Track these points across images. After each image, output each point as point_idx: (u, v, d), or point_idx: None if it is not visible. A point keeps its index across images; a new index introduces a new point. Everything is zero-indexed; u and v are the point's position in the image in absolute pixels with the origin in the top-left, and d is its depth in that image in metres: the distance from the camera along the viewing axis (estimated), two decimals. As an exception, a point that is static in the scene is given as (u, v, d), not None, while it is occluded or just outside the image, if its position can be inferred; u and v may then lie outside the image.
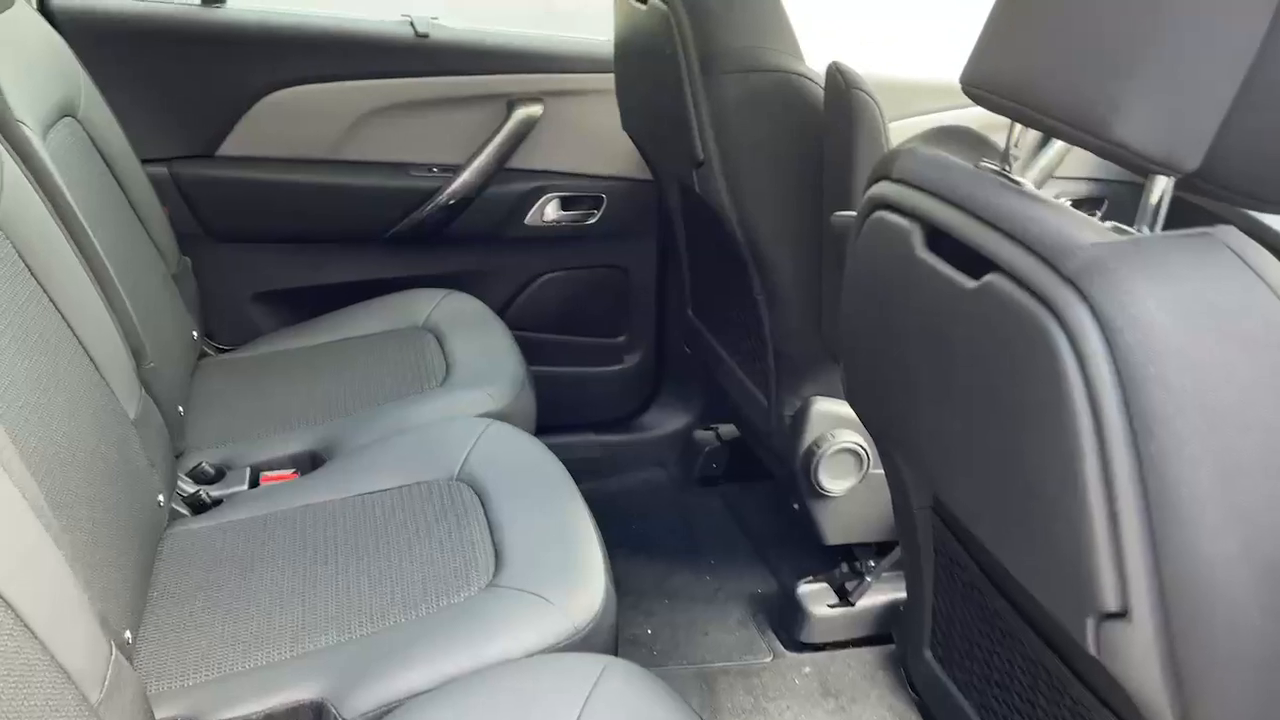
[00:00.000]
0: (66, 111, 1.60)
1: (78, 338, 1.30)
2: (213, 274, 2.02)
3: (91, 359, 1.32)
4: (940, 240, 0.92)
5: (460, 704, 1.10)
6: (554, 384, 2.23)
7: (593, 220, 2.21)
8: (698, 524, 2.20)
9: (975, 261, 0.85)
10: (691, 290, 2.06)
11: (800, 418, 1.68)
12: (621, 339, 2.33)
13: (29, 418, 1.08)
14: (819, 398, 1.67)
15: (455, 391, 1.72)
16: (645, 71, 1.73)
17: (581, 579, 1.26)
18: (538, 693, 1.10)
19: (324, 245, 2.12)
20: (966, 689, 1.20)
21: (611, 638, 1.25)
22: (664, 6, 1.56)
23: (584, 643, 1.20)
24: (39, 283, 1.25)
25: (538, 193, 2.17)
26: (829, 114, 1.44)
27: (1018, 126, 0.90)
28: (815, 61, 1.55)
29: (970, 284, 0.85)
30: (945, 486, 1.01)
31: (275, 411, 1.73)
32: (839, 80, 1.40)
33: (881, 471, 1.69)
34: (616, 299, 2.30)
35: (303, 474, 1.61)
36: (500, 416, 1.66)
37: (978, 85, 0.88)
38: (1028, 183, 0.88)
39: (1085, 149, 0.80)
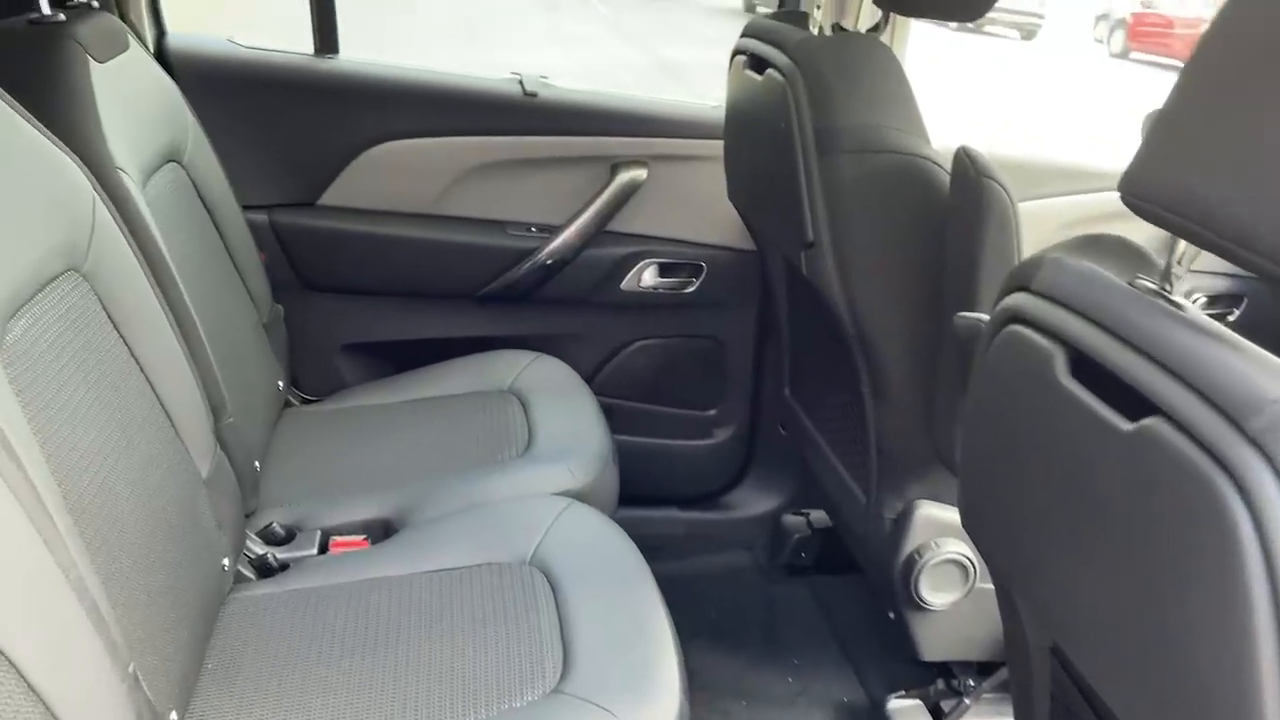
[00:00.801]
0: (172, 156, 1.60)
1: (156, 393, 1.26)
2: (303, 323, 2.00)
3: (168, 415, 1.28)
4: (1086, 367, 0.80)
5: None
6: (639, 455, 2.15)
7: (691, 288, 2.13)
8: (782, 616, 2.07)
9: (1130, 399, 0.74)
10: (791, 369, 1.95)
11: (902, 522, 1.55)
12: (713, 413, 2.24)
13: (93, 478, 1.04)
14: (924, 501, 1.55)
15: (535, 464, 1.65)
16: (756, 143, 1.65)
17: (653, 693, 1.16)
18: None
19: (415, 300, 2.08)
20: None
21: None
22: (781, 79, 1.48)
23: (653, 767, 1.10)
24: (120, 335, 1.22)
25: (636, 257, 2.10)
26: (954, 202, 1.33)
27: (1181, 243, 0.78)
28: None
29: (1124, 425, 0.73)
30: (1069, 638, 0.89)
31: (351, 471, 1.68)
32: (968, 166, 1.29)
33: (989, 586, 1.55)
34: (710, 371, 2.21)
35: (374, 541, 1.55)
36: (580, 495, 1.58)
37: (1139, 195, 0.77)
38: (1192, 307, 0.77)
39: (1265, 275, 0.68)
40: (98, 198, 1.23)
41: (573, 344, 2.12)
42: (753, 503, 2.28)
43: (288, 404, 1.92)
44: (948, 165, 1.38)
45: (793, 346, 1.93)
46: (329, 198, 1.99)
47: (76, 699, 0.82)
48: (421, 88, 2.00)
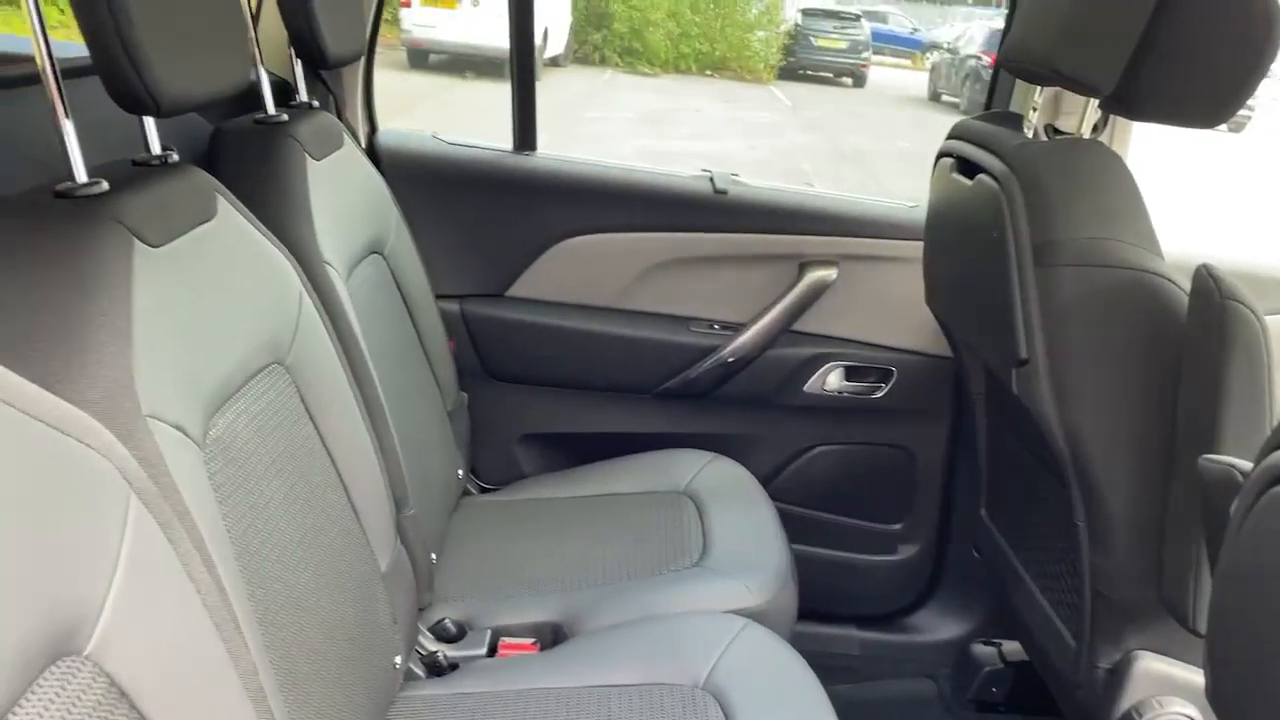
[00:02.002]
0: (375, 248, 1.64)
1: (344, 485, 1.27)
2: (485, 411, 2.01)
3: (354, 508, 1.28)
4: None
5: None
6: (816, 567, 2.04)
7: (879, 394, 2.03)
8: (969, 759, 1.90)
9: None
10: (989, 489, 1.81)
11: (1119, 674, 1.39)
12: (898, 527, 2.11)
13: (280, 576, 1.04)
14: (1144, 653, 1.38)
15: (711, 578, 1.57)
16: (963, 251, 1.56)
17: None
18: None
19: (594, 393, 2.07)
20: None
21: None
22: (995, 185, 1.39)
23: None
24: (315, 426, 1.23)
25: (821, 359, 2.02)
26: (1193, 326, 1.20)
27: None
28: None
29: None
30: None
31: (524, 569, 1.65)
32: (1210, 286, 1.16)
33: (1221, 759, 1.36)
34: (897, 482, 2.08)
35: (543, 646, 1.51)
36: (757, 614, 1.49)
37: None
38: None
39: None
40: (304, 292, 1.26)
41: (751, 445, 2.05)
42: (938, 627, 2.12)
43: (466, 492, 1.92)
44: (1182, 281, 1.25)
45: (991, 464, 1.79)
46: (518, 289, 2.02)
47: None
48: (613, 184, 2.01)
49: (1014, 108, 1.86)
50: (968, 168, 1.52)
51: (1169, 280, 1.26)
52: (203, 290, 1.03)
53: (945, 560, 2.11)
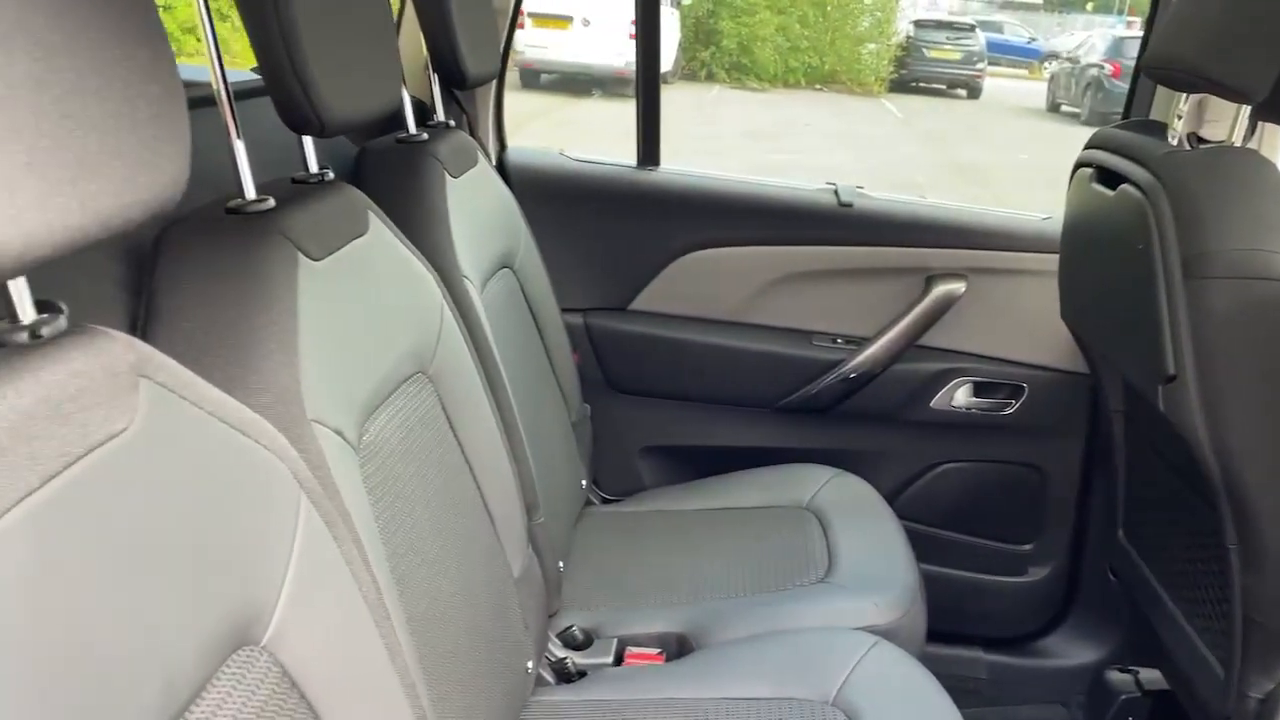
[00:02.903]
0: (506, 263, 1.69)
1: (481, 492, 1.31)
2: (607, 424, 2.04)
3: (490, 514, 1.32)
4: None
5: None
6: (942, 587, 1.99)
7: (1009, 410, 1.98)
8: (1104, 789, 1.83)
9: None
10: (1126, 510, 1.75)
11: (1272, 705, 1.32)
12: (1028, 548, 2.05)
13: (424, 579, 1.08)
14: (1304, 686, 1.31)
15: (838, 594, 1.56)
16: (1104, 262, 1.51)
17: None
18: None
19: (715, 406, 2.07)
20: None
21: None
22: (1139, 195, 1.35)
23: None
24: (455, 434, 1.27)
25: (949, 375, 1.98)
26: (1361, 339, 1.14)
27: None
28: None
29: None
30: None
31: (648, 580, 1.66)
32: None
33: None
34: (1027, 502, 2.03)
35: (668, 657, 1.52)
36: (886, 633, 1.47)
37: None
38: None
39: None
40: (445, 303, 1.30)
41: (875, 462, 2.02)
42: (1070, 652, 2.04)
43: (588, 502, 1.95)
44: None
45: (1130, 484, 1.73)
46: (641, 302, 2.04)
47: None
48: (737, 197, 2.02)
49: (1155, 115, 1.79)
50: (1109, 178, 1.48)
51: None
52: (357, 301, 1.08)
53: (1079, 583, 2.04)
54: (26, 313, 0.61)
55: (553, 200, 2.00)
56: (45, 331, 0.61)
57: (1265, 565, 1.29)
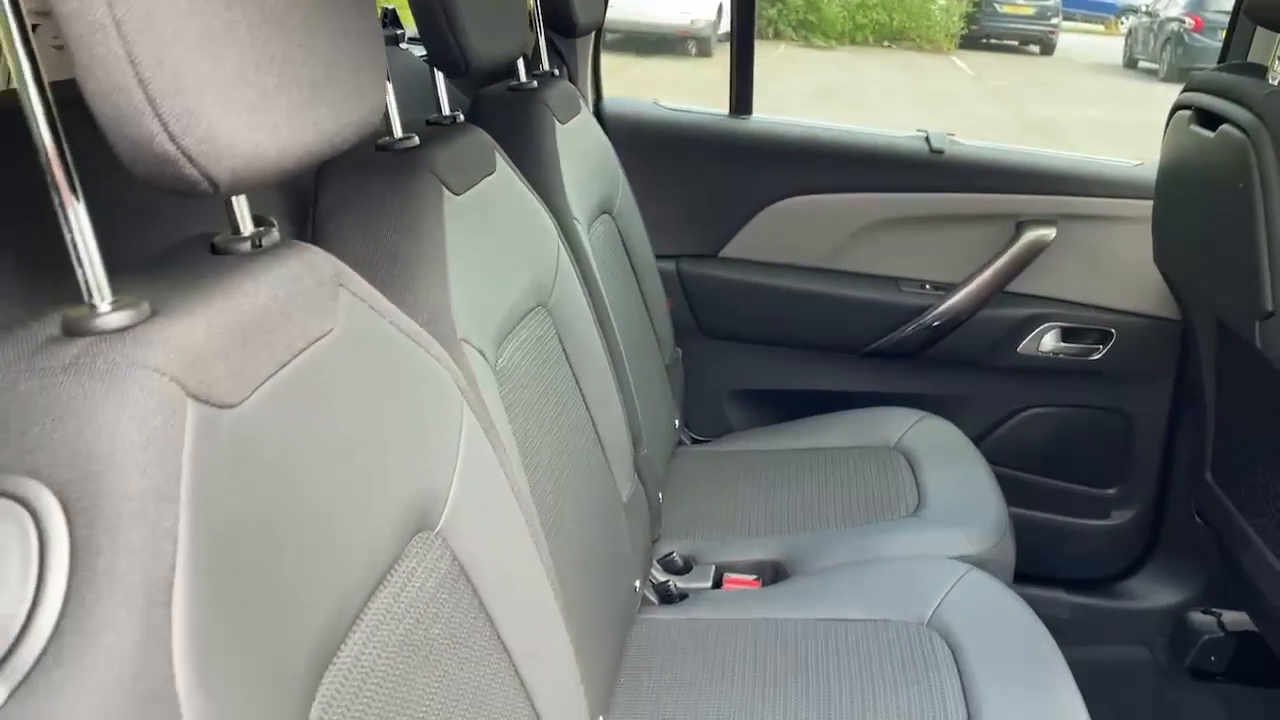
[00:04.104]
0: (606, 208, 1.75)
1: (593, 421, 1.38)
2: (698, 367, 2.10)
3: (600, 441, 1.39)
4: None
5: None
6: (1027, 529, 2.03)
7: (1097, 356, 2.00)
8: (1186, 724, 1.87)
9: None
10: (1215, 452, 1.77)
11: (1364, 636, 1.35)
12: (1113, 491, 2.08)
13: (546, 492, 1.16)
14: (1394, 615, 1.34)
15: (929, 526, 1.61)
16: (1202, 204, 1.53)
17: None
18: None
19: (803, 351, 2.12)
20: None
21: None
22: (1241, 135, 1.36)
23: None
24: (570, 365, 1.35)
25: (1037, 320, 2.01)
26: None
27: None
28: None
29: None
30: None
31: (742, 513, 1.73)
32: None
33: None
34: (1113, 446, 2.05)
35: (765, 583, 1.59)
36: (977, 562, 1.52)
37: None
38: None
39: None
40: (560, 242, 1.38)
41: (961, 406, 2.06)
42: (1153, 594, 2.08)
43: (679, 443, 2.02)
44: None
45: (1221, 428, 1.75)
46: (732, 249, 2.09)
47: (547, 690, 0.90)
48: (829, 145, 2.05)
49: (1253, 58, 1.79)
50: (1208, 119, 1.49)
51: None
52: (490, 235, 1.15)
53: (1163, 526, 2.07)
54: (246, 226, 0.69)
55: (647, 149, 2.06)
56: (265, 242, 0.69)
57: (1360, 498, 1.31)
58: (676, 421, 1.96)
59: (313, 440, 0.65)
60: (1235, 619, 1.95)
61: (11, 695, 0.44)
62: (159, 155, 0.51)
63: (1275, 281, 1.31)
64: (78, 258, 0.55)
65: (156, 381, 0.52)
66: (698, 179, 2.07)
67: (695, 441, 2.12)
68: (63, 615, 0.46)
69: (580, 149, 1.65)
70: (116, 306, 0.55)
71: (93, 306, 0.55)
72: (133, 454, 0.50)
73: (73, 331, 0.54)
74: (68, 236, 0.54)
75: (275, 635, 0.56)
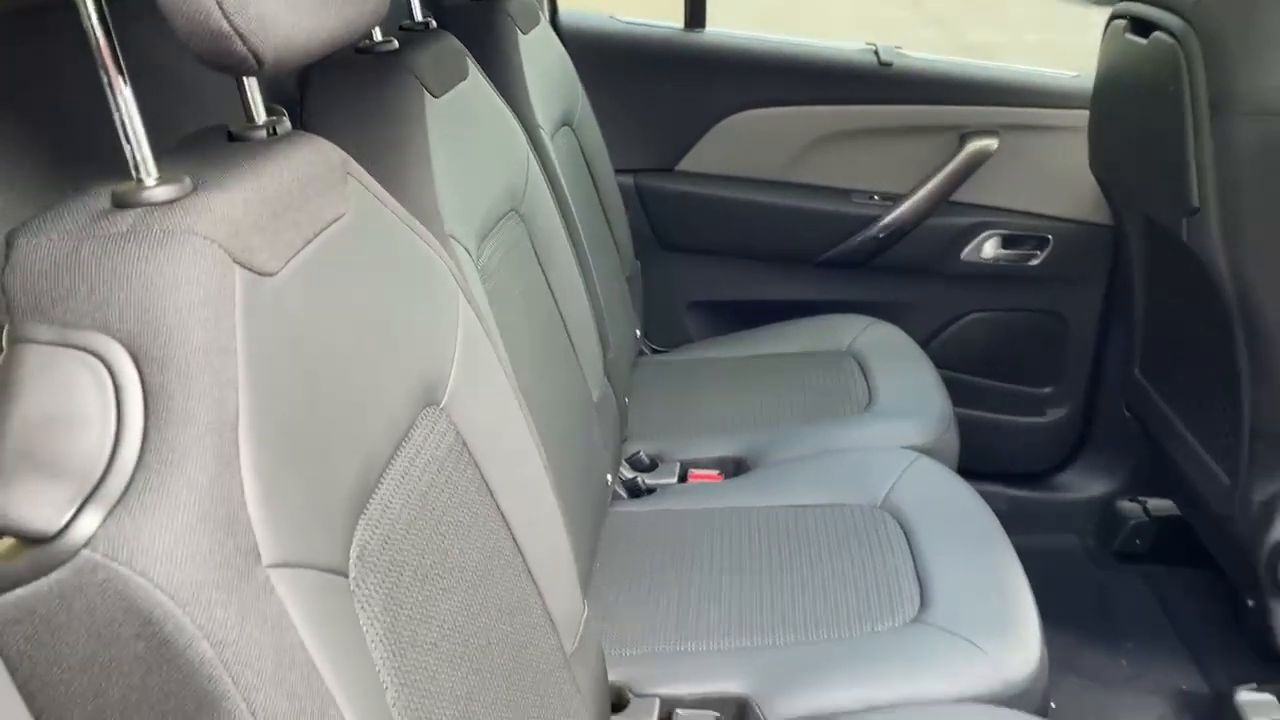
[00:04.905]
0: (567, 121, 1.79)
1: (564, 322, 1.44)
2: (656, 279, 2.16)
3: (571, 342, 1.46)
4: None
5: (888, 735, 1.08)
6: (967, 427, 2.14)
7: (1034, 261, 2.10)
8: (1113, 603, 2.01)
9: None
10: (1144, 349, 1.89)
11: (1274, 505, 1.48)
12: (1048, 390, 2.20)
13: (527, 382, 1.21)
14: (1301, 485, 1.47)
15: (879, 420, 1.71)
16: (1137, 108, 1.62)
17: (1017, 632, 1.20)
18: (968, 744, 1.06)
19: (759, 262, 2.19)
20: None
21: (1044, 703, 1.17)
22: (1170, 40, 1.44)
23: (1015, 701, 1.14)
24: (541, 268, 1.40)
25: (979, 228, 2.10)
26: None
27: None
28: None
29: None
30: None
31: (704, 414, 1.81)
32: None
33: (1373, 584, 1.45)
34: (1048, 347, 2.17)
35: (727, 477, 1.68)
36: (924, 452, 1.62)
37: None
38: None
39: None
40: (530, 148, 1.42)
41: (908, 312, 2.15)
42: (1084, 486, 2.21)
43: (640, 353, 2.09)
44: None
45: (1148, 325, 1.86)
46: (687, 163, 2.14)
47: (541, 560, 0.97)
48: (780, 58, 2.10)
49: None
50: (1141, 27, 1.57)
51: None
52: (467, 139, 1.20)
53: (1094, 421, 2.20)
54: (260, 114, 0.74)
55: (603, 62, 2.08)
56: (279, 129, 0.74)
57: (1271, 381, 1.43)
58: (638, 332, 2.02)
59: (336, 312, 0.70)
60: (1159, 505, 2.09)
61: (109, 515, 0.50)
62: (214, 32, 0.56)
63: (1202, 179, 1.41)
64: (125, 136, 0.59)
65: (208, 248, 0.57)
66: (654, 93, 2.11)
67: (655, 352, 2.19)
68: (144, 450, 0.52)
69: (542, 60, 1.68)
70: (162, 181, 0.59)
71: (140, 181, 0.59)
72: (194, 311, 0.55)
73: (123, 204, 0.58)
74: (116, 116, 0.58)
75: (320, 478, 0.62)
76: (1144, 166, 1.62)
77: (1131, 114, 1.65)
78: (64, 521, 0.49)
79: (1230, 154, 1.37)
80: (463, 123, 1.19)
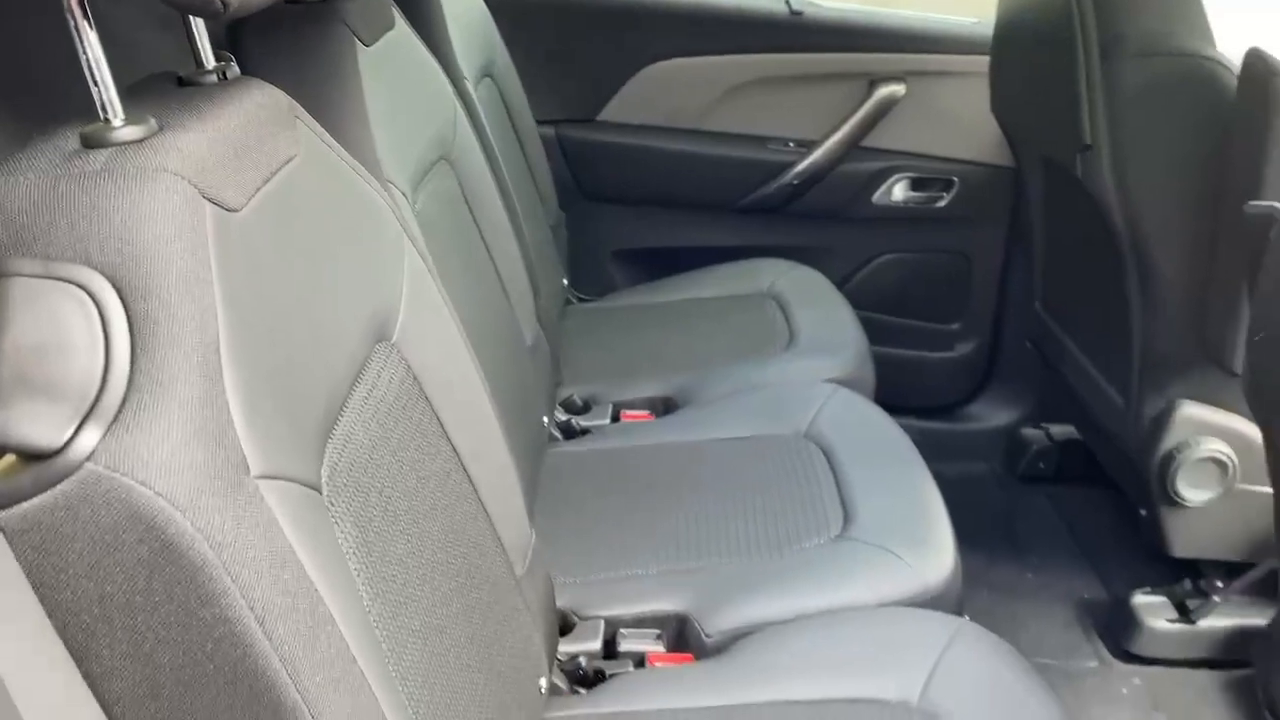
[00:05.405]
0: (487, 72, 1.81)
1: (496, 269, 1.48)
2: (581, 229, 2.21)
3: (504, 288, 1.50)
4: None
5: (813, 637, 1.16)
6: (881, 364, 2.24)
7: (941, 203, 2.20)
8: (1020, 522, 2.14)
9: None
10: (1044, 284, 2.01)
11: (1162, 420, 1.60)
12: (955, 326, 2.31)
13: (466, 329, 1.26)
14: (1186, 401, 1.59)
15: (800, 357, 1.79)
16: (1033, 52, 1.71)
17: (933, 541, 1.30)
18: (891, 642, 1.15)
19: (680, 210, 2.25)
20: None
21: (959, 605, 1.27)
22: (1065, -13, 1.54)
23: (933, 603, 1.23)
24: (472, 213, 1.44)
25: (888, 172, 2.19)
26: (1241, 103, 1.36)
27: None
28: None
29: None
30: None
31: (632, 358, 1.87)
32: (1259, 67, 1.32)
33: (1248, 487, 1.59)
34: (955, 285, 2.28)
35: (658, 417, 1.74)
36: (843, 384, 1.71)
37: None
38: None
39: None
40: (455, 98, 1.44)
41: (824, 255, 2.23)
42: (991, 415, 2.34)
43: (568, 302, 2.13)
44: (1234, 68, 1.41)
45: (1048, 261, 1.98)
46: (607, 114, 2.18)
47: (490, 489, 1.02)
48: (694, 8, 2.15)
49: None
50: None
51: (1222, 65, 1.42)
52: (398, 87, 1.22)
53: (999, 355, 2.32)
54: (209, 59, 0.76)
55: (522, 15, 2.10)
56: (229, 74, 0.76)
57: (1158, 305, 1.55)
58: (565, 280, 2.07)
59: (295, 248, 0.74)
60: (1060, 430, 2.23)
61: (107, 431, 0.53)
62: None
63: (1093, 117, 1.51)
64: (93, 78, 0.61)
65: (179, 184, 0.60)
66: (571, 44, 2.14)
67: (581, 300, 2.23)
68: (134, 372, 0.55)
69: (461, 10, 1.69)
70: (129, 122, 0.62)
71: (107, 121, 0.62)
72: (172, 243, 0.58)
73: (92, 144, 0.61)
74: (83, 59, 0.61)
75: (292, 402, 0.66)
76: (1041, 107, 1.72)
77: (1029, 57, 1.74)
78: (66, 438, 0.53)
79: (1118, 93, 1.47)
80: (393, 71, 1.21)
